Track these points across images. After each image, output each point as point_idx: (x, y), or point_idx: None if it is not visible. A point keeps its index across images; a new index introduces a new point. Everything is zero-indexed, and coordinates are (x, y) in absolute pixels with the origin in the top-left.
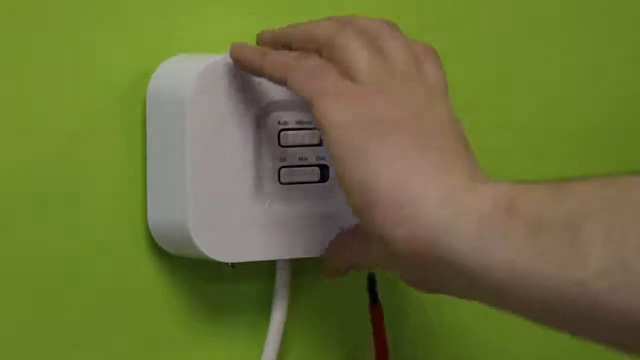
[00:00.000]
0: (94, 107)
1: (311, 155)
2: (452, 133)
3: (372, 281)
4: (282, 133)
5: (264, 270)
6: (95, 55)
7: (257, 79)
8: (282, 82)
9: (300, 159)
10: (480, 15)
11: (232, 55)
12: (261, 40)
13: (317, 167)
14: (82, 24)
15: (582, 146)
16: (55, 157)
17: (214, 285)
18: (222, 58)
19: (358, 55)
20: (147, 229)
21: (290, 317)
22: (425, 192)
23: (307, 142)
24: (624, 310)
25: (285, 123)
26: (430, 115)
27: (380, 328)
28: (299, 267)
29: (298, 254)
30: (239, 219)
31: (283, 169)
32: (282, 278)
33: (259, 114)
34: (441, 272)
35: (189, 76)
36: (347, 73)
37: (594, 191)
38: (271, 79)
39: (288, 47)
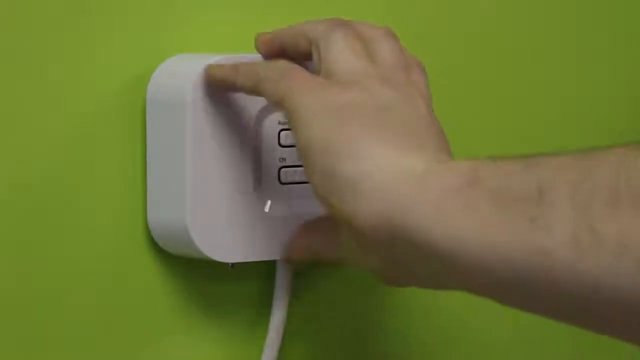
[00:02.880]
0: (94, 107)
1: None
2: (424, 126)
3: None
4: (282, 133)
5: (264, 270)
6: (95, 55)
7: None
8: (255, 91)
9: None
10: (480, 20)
11: (206, 76)
12: (260, 42)
13: None
14: (81, 24)
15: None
16: (55, 157)
17: (214, 285)
18: (222, 58)
19: (341, 55)
20: (147, 229)
21: (290, 317)
22: (385, 169)
23: None
24: (592, 280)
25: (286, 123)
26: (403, 107)
27: None
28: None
29: None
30: (239, 219)
31: (283, 169)
32: (282, 278)
33: (259, 113)
34: (406, 252)
35: (189, 76)
36: (326, 70)
37: (566, 162)
38: (245, 90)
39: (283, 46)
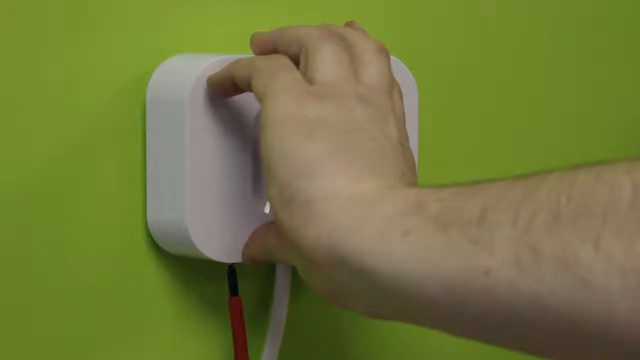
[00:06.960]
0: (94, 107)
1: None
2: (390, 151)
3: (232, 273)
4: None
5: (264, 270)
6: (95, 55)
7: None
8: (249, 82)
9: None
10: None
11: (208, 84)
12: (254, 42)
13: None
14: (81, 24)
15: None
16: (55, 157)
17: (213, 285)
18: (222, 58)
19: (326, 66)
20: (147, 229)
21: (290, 317)
22: (337, 193)
23: None
24: (533, 298)
25: None
26: (373, 130)
27: (239, 322)
28: None
29: None
30: (238, 219)
31: None
32: (282, 278)
33: (259, 113)
34: (347, 277)
35: (188, 76)
36: (309, 78)
37: (508, 185)
38: (242, 81)
39: (276, 47)
